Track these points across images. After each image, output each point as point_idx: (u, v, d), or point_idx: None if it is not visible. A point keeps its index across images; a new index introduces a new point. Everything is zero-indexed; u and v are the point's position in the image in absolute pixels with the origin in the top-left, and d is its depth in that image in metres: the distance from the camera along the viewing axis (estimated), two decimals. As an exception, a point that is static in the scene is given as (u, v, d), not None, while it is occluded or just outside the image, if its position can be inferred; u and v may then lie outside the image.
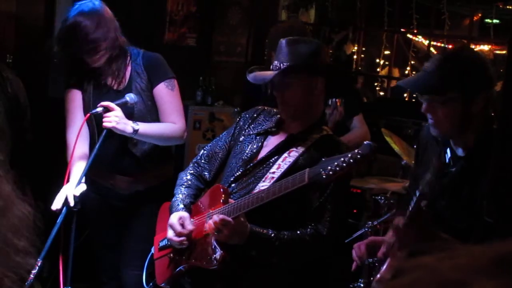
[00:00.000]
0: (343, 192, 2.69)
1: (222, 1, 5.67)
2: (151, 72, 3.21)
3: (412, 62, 6.46)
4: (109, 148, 3.15)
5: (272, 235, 2.47)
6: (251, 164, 2.65)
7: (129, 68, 3.22)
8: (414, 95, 6.18)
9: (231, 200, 2.57)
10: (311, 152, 2.58)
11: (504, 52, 6.18)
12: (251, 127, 2.78)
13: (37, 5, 4.57)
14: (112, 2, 3.25)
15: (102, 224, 3.41)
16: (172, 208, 2.73)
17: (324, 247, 2.65)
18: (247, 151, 2.70)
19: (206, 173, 2.86)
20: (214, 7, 5.60)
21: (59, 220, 2.82)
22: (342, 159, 2.23)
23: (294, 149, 2.59)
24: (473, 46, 6.12)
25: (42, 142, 3.71)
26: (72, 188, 2.93)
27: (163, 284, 2.78)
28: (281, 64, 2.56)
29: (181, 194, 2.77)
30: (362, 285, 3.83)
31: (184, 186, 2.81)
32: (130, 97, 3.11)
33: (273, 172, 2.55)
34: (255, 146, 2.69)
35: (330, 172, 2.24)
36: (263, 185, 2.53)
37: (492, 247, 0.68)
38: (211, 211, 2.62)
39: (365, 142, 2.28)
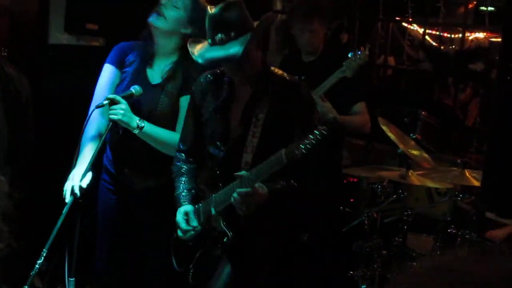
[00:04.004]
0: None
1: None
2: (187, 81, 3.11)
3: (407, 50, 6.45)
4: (122, 141, 3.16)
5: (285, 184, 2.67)
6: (229, 145, 2.77)
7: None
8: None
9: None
10: (275, 108, 2.70)
11: (499, 39, 6.18)
12: (207, 100, 2.84)
13: (31, -2, 4.54)
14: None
15: (111, 219, 3.35)
16: (177, 202, 2.88)
17: None
18: (219, 130, 2.79)
19: (192, 157, 2.96)
20: (208, -3, 5.58)
21: (65, 210, 2.80)
22: (312, 137, 2.38)
23: (260, 112, 2.70)
24: (468, 34, 6.12)
25: (36, 136, 3.70)
26: (78, 179, 2.92)
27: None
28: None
29: (181, 186, 2.90)
30: (360, 273, 3.84)
31: (180, 176, 2.94)
32: (135, 89, 3.08)
33: (251, 141, 2.71)
34: (224, 124, 2.79)
35: (303, 151, 2.38)
36: (247, 156, 2.70)
37: None
38: (212, 195, 2.80)
39: (328, 116, 2.95)
